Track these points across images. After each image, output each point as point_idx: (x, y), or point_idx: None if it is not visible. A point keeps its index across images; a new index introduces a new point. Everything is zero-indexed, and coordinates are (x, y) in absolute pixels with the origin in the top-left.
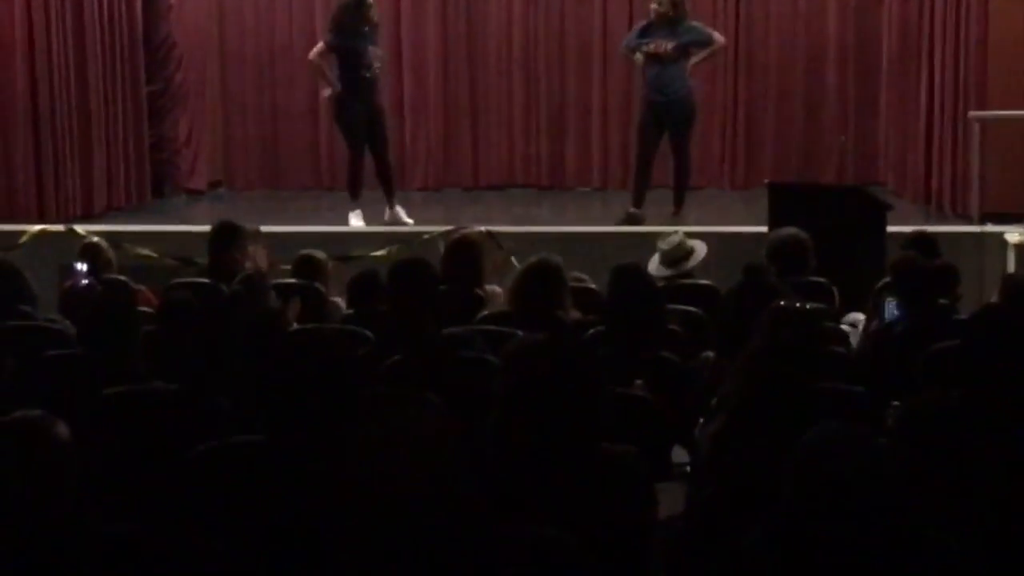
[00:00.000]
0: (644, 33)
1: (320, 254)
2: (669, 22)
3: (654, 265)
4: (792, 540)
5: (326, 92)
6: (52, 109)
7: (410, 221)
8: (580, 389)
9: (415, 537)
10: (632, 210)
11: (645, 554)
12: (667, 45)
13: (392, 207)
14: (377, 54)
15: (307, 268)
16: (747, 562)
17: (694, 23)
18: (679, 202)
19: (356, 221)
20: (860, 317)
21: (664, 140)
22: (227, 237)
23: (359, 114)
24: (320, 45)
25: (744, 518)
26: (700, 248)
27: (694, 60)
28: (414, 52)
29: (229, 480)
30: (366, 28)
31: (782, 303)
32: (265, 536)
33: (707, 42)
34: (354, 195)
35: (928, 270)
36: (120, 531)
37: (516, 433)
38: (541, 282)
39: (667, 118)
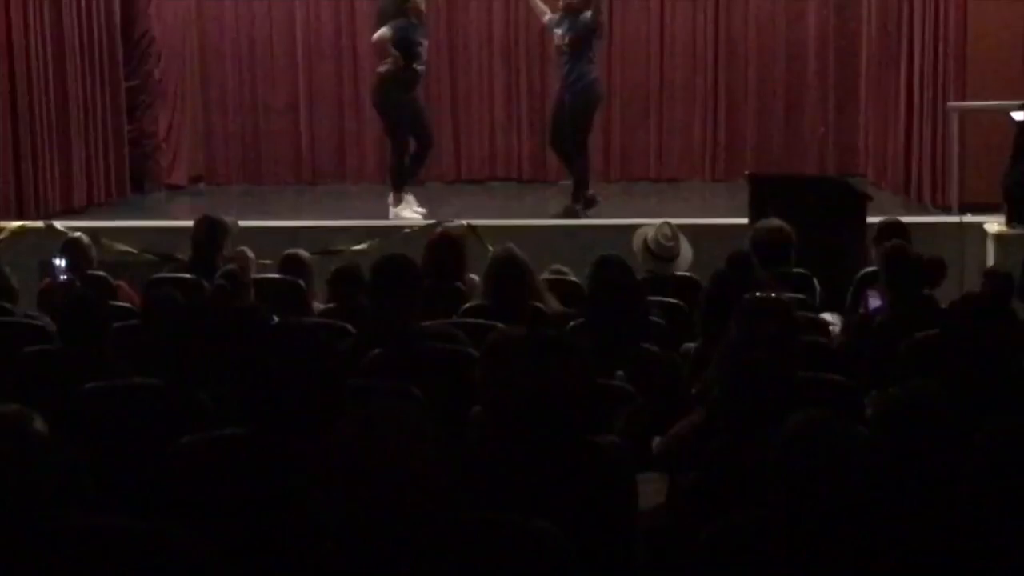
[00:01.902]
0: (558, 23)
1: (304, 253)
2: (572, 13)
3: (638, 246)
4: (773, 529)
5: (383, 67)
6: (31, 105)
7: (423, 211)
8: (563, 381)
9: (399, 529)
10: (569, 204)
11: (628, 544)
12: (565, 38)
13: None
14: (426, 48)
15: (293, 266)
16: (728, 551)
17: (587, 14)
18: (576, 197)
19: (407, 212)
20: (835, 322)
21: (597, 126)
22: (210, 232)
23: (407, 107)
24: (385, 30)
25: (725, 507)
26: (686, 253)
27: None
28: None
29: (211, 474)
30: (415, 21)
31: (757, 294)
32: (248, 529)
33: (590, 28)
34: (399, 187)
35: (920, 261)
36: (100, 524)
37: (499, 425)
38: (508, 273)
39: (568, 108)
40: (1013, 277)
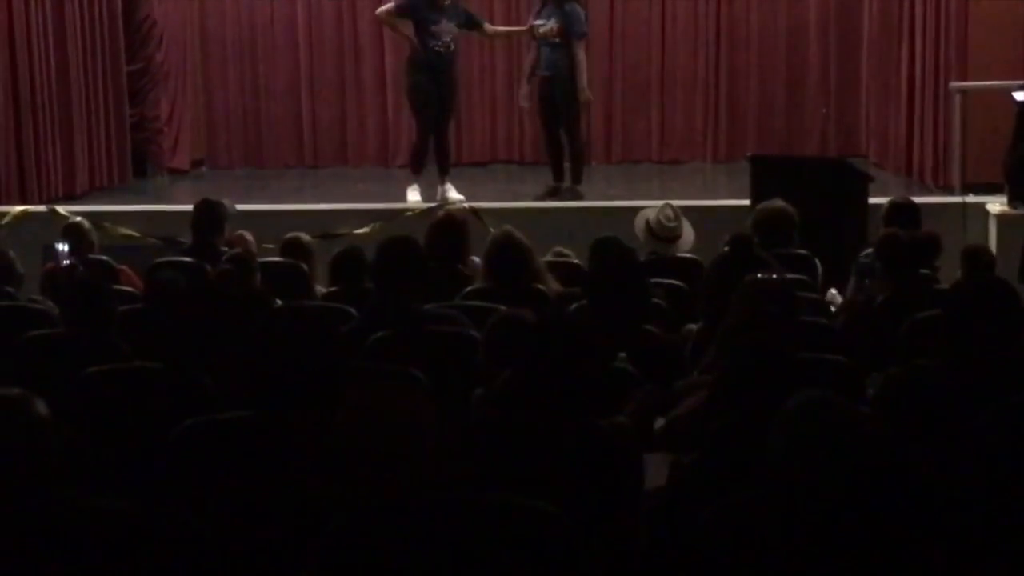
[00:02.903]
0: (538, 13)
1: (306, 236)
2: (558, 3)
3: (641, 227)
4: (774, 509)
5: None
6: (32, 90)
7: (460, 197)
8: (572, 364)
9: (401, 510)
10: (552, 184)
11: (632, 525)
12: (555, 27)
13: (443, 184)
14: (448, 29)
15: (294, 250)
16: (729, 531)
17: (576, 7)
18: (576, 179)
19: (414, 196)
20: (837, 297)
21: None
22: (210, 216)
23: (428, 89)
24: (390, 4)
25: (726, 488)
26: (688, 235)
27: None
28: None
29: (214, 457)
30: (445, 2)
31: (759, 275)
32: (251, 512)
33: (576, 34)
34: (415, 171)
35: (912, 243)
36: (102, 507)
37: (504, 407)
38: (507, 255)
39: (555, 97)
40: (993, 255)
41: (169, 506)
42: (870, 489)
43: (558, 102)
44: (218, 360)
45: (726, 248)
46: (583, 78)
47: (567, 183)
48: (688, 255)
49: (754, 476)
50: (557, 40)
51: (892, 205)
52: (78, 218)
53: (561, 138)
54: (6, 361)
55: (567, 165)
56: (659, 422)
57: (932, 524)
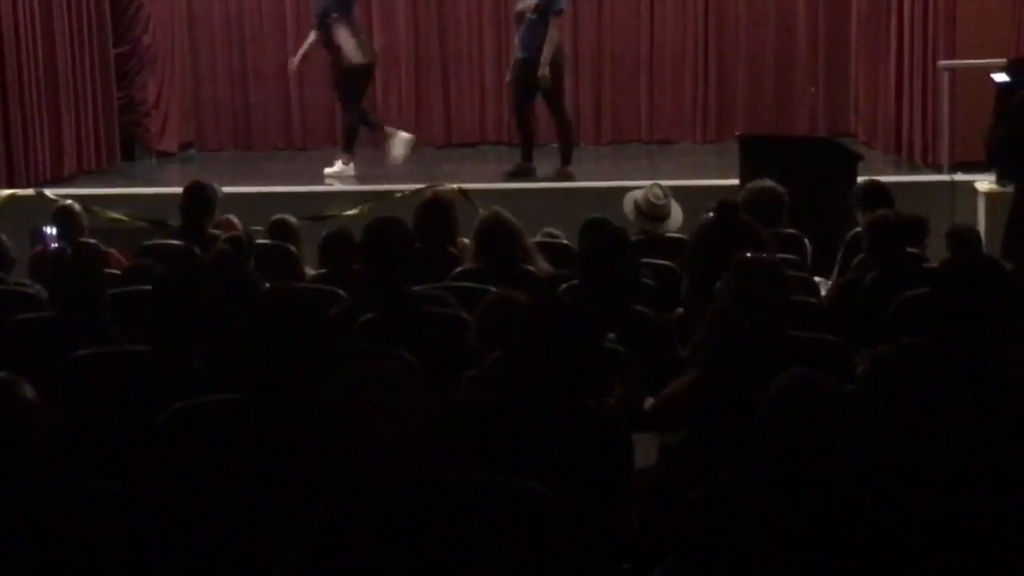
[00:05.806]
0: None
1: (292, 218)
2: None
3: (629, 207)
4: (763, 487)
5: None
6: (19, 72)
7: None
8: (557, 344)
9: (391, 492)
10: (520, 163)
11: (622, 505)
12: (529, 4)
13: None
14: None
15: (280, 231)
16: (718, 510)
17: None
18: (565, 159)
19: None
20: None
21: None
22: (200, 199)
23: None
24: None
25: (715, 467)
26: (676, 214)
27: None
28: (384, 9)
29: (204, 439)
30: None
31: (747, 254)
32: (240, 494)
33: (553, 10)
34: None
35: (902, 223)
36: (90, 489)
37: (493, 387)
38: (495, 236)
39: (529, 78)
40: (979, 233)
41: (158, 489)
42: (859, 467)
43: (535, 84)
44: (208, 342)
45: (710, 214)
46: (547, 55)
47: (537, 163)
48: (677, 235)
49: (743, 455)
50: (534, 17)
51: (865, 189)
52: (68, 201)
53: (530, 119)
54: None
55: (556, 145)
56: (648, 402)
57: (921, 502)
